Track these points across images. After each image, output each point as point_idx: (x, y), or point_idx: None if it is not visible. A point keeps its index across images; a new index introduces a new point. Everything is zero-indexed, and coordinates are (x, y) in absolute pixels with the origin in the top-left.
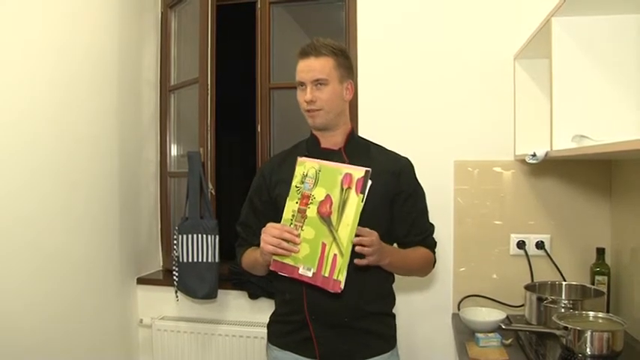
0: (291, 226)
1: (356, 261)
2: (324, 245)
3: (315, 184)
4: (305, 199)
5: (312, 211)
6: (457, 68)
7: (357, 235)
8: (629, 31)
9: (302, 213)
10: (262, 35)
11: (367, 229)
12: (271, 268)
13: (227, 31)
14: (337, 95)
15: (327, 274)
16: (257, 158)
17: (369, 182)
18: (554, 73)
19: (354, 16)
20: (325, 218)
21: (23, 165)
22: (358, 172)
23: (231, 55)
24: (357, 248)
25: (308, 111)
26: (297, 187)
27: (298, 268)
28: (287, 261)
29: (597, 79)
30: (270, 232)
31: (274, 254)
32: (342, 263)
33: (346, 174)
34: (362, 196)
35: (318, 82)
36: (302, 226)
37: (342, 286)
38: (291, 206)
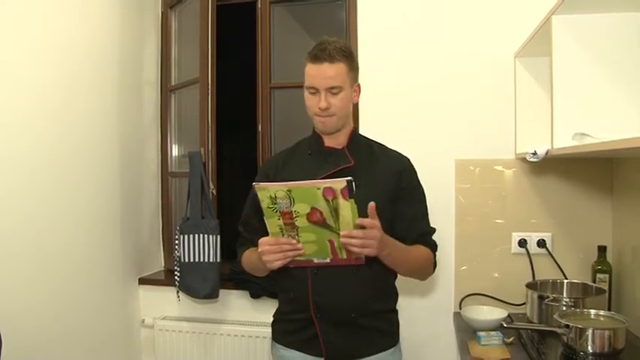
0: (285, 237)
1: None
2: (331, 242)
3: (292, 203)
4: (287, 215)
5: (302, 222)
6: (457, 67)
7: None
8: (630, 29)
9: (290, 225)
10: (263, 35)
11: (368, 220)
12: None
13: (227, 30)
14: (349, 99)
15: (345, 257)
16: (258, 158)
17: (354, 187)
18: (555, 71)
19: (354, 16)
20: (320, 224)
21: (24, 165)
22: (339, 184)
23: (232, 55)
24: (354, 248)
25: (320, 117)
26: (270, 207)
27: (312, 260)
28: (298, 258)
29: (598, 76)
30: (269, 250)
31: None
32: None
33: (325, 188)
34: (352, 199)
35: (333, 91)
36: (297, 234)
37: (364, 259)
38: (274, 222)
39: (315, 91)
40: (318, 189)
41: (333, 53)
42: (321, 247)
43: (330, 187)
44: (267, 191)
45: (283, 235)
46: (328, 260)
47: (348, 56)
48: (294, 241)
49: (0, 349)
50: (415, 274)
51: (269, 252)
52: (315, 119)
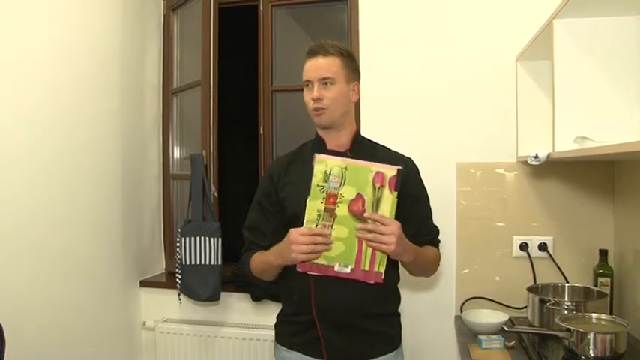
0: (318, 226)
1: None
2: (360, 244)
3: (343, 182)
4: (332, 199)
5: (342, 210)
6: (459, 70)
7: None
8: (631, 33)
9: (330, 212)
10: (264, 37)
11: (388, 219)
12: (299, 269)
13: (229, 33)
14: (344, 95)
15: (367, 268)
16: (259, 161)
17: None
18: (556, 74)
19: (356, 19)
20: (359, 216)
21: (26, 168)
22: (390, 171)
23: (234, 58)
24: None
25: (314, 109)
26: (319, 186)
27: (333, 267)
28: (319, 261)
29: (599, 80)
30: (299, 241)
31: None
32: (383, 255)
33: (377, 172)
34: (396, 193)
35: (325, 81)
36: (332, 225)
37: (383, 277)
38: (315, 206)
39: (309, 84)
40: (371, 172)
41: (328, 48)
42: (349, 248)
43: (381, 172)
44: (324, 165)
45: (317, 225)
46: (348, 270)
47: (344, 54)
48: (327, 232)
49: (3, 349)
50: (425, 273)
51: (298, 242)
52: (311, 114)
